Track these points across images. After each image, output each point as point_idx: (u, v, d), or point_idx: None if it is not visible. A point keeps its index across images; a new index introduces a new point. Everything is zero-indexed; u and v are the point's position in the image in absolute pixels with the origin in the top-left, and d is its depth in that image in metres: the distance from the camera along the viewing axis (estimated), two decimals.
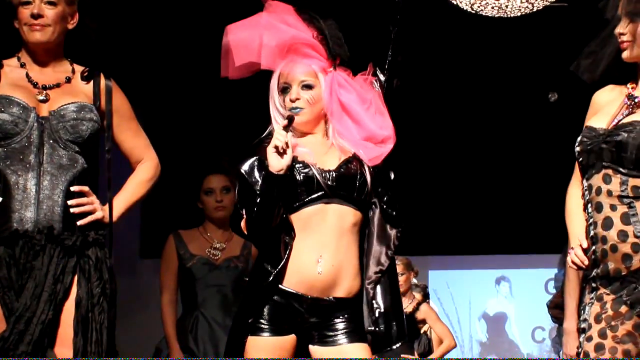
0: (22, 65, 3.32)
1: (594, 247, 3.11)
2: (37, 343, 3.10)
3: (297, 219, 3.34)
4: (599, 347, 3.05)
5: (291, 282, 3.32)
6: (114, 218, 3.33)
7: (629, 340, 3.03)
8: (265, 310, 3.33)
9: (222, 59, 3.48)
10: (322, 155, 3.41)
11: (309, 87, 3.43)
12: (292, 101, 3.41)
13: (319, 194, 3.34)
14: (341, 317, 3.37)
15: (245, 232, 3.49)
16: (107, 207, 3.32)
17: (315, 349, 3.38)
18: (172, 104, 8.50)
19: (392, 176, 3.48)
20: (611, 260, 3.06)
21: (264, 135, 3.46)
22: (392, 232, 3.44)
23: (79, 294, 3.17)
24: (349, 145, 3.42)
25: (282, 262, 3.29)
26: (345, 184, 3.37)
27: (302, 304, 3.33)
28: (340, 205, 3.36)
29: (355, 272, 3.40)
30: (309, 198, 3.34)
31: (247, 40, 3.45)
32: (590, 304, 3.11)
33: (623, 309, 3.05)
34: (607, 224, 3.07)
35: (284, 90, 3.44)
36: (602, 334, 3.05)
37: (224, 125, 8.30)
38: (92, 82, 3.37)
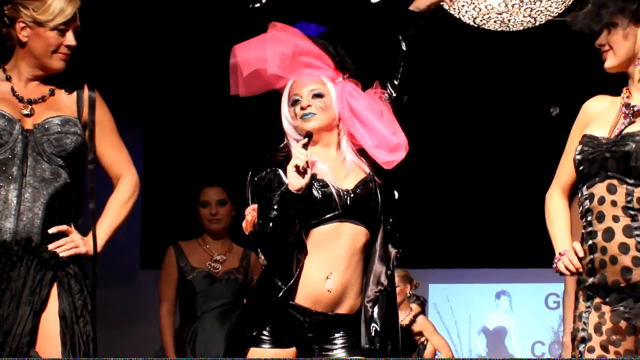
0: (8, 79, 3.29)
1: (591, 256, 3.10)
2: (17, 354, 3.08)
3: (311, 236, 3.35)
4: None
5: (298, 296, 3.33)
6: (98, 249, 3.30)
7: (629, 358, 3.03)
8: (268, 322, 3.34)
9: (231, 77, 3.50)
10: (339, 173, 3.42)
11: (319, 95, 3.44)
12: (304, 108, 3.41)
13: (335, 213, 3.35)
14: (341, 332, 3.39)
15: (246, 233, 3.50)
16: (89, 237, 3.29)
17: None
18: (174, 115, 8.51)
19: (397, 195, 3.49)
20: (610, 271, 3.06)
21: (278, 148, 3.48)
22: (393, 252, 3.45)
23: (62, 307, 3.15)
24: (364, 149, 3.42)
25: (293, 280, 3.30)
26: (360, 205, 3.38)
27: (305, 317, 3.34)
28: (354, 225, 3.38)
29: (359, 290, 3.42)
30: (326, 217, 3.35)
31: (254, 51, 3.47)
32: (587, 312, 3.11)
33: (623, 323, 3.04)
34: (608, 234, 3.06)
35: (295, 102, 3.45)
36: (604, 347, 3.06)
37: (225, 138, 8.32)
38: (75, 94, 3.34)
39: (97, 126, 3.35)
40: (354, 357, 3.37)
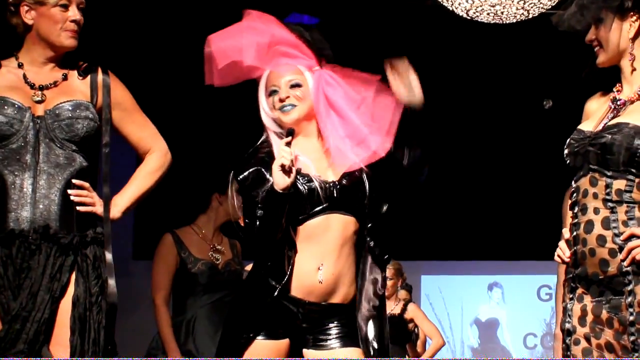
0: (20, 66, 3.29)
1: (575, 248, 3.14)
2: (33, 342, 3.09)
3: (301, 230, 3.33)
4: (587, 352, 3.08)
5: (291, 288, 3.32)
6: (119, 214, 3.31)
7: (610, 350, 3.06)
8: (262, 317, 3.33)
9: (206, 67, 3.43)
10: (322, 164, 3.40)
11: (297, 85, 3.40)
12: (282, 100, 3.38)
13: (323, 206, 3.33)
14: (335, 322, 3.38)
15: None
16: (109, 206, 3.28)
17: (308, 353, 3.38)
18: (166, 106, 8.50)
19: (385, 209, 3.47)
20: (589, 263, 3.09)
21: (259, 143, 3.44)
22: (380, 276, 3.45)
23: (77, 292, 3.16)
24: (332, 142, 3.38)
25: (286, 277, 3.29)
26: (347, 196, 3.37)
27: (299, 308, 3.33)
28: (342, 216, 3.36)
29: (352, 279, 3.41)
30: (313, 211, 3.33)
31: (230, 42, 3.42)
32: (571, 303, 3.14)
33: (604, 315, 3.07)
34: (589, 227, 3.09)
35: (273, 93, 3.41)
36: (588, 339, 3.09)
37: (217, 129, 8.31)
38: (89, 78, 3.34)
39: (117, 109, 3.35)
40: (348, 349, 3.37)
